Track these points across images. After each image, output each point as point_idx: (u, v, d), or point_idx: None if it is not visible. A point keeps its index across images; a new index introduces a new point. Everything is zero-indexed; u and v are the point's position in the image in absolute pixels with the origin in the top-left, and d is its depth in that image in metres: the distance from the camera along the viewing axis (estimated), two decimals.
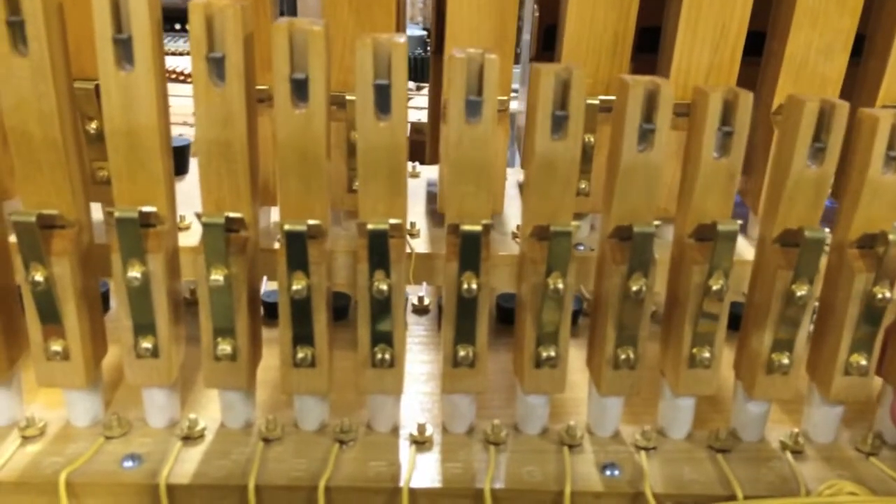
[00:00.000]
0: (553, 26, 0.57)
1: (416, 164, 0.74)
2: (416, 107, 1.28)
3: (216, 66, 0.39)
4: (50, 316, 0.42)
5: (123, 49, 0.39)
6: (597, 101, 0.53)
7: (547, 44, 0.62)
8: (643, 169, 0.41)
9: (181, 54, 1.74)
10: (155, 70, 0.39)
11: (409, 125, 1.02)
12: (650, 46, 0.57)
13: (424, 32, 1.77)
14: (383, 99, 0.39)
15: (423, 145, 0.84)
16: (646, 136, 0.41)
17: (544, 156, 0.41)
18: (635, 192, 0.42)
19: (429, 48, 0.75)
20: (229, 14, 0.38)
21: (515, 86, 0.82)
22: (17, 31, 0.38)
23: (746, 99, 0.41)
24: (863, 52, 0.56)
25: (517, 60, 0.70)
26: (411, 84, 1.42)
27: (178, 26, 1.90)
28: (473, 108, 0.40)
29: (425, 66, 0.78)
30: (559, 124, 0.41)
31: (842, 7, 0.50)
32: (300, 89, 0.39)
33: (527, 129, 0.43)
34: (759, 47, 0.56)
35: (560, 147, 0.41)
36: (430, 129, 0.82)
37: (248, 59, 0.40)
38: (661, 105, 0.40)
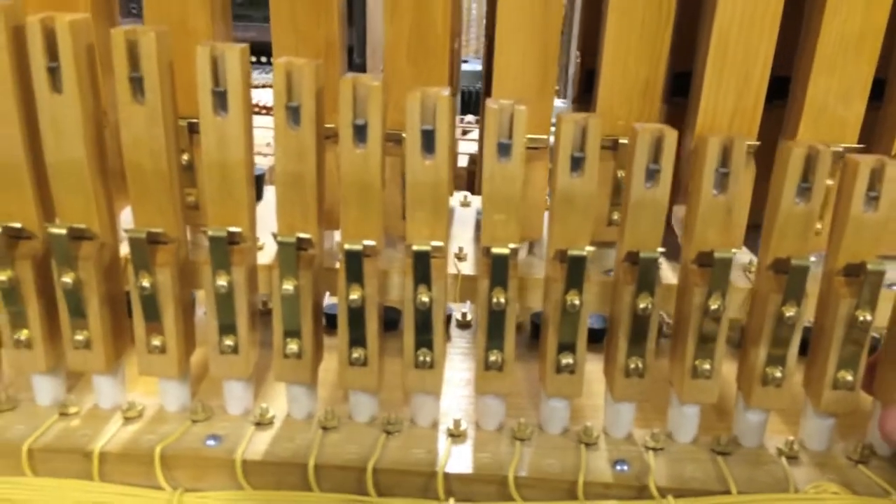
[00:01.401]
0: (593, 71, 0.61)
1: (468, 193, 0.80)
2: (473, 139, 1.29)
3: (293, 114, 0.47)
4: (152, 316, 0.51)
5: (220, 99, 0.47)
6: (627, 142, 0.59)
7: (587, 86, 0.68)
8: (651, 203, 0.48)
9: (253, 87, 1.81)
10: (244, 115, 0.48)
11: (465, 157, 1.08)
12: (684, 91, 0.62)
13: None
14: (429, 142, 0.47)
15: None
16: (653, 175, 0.47)
17: (564, 191, 0.48)
18: (643, 223, 0.48)
19: None
20: (306, 71, 0.46)
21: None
22: (137, 84, 0.46)
23: (741, 143, 0.47)
24: (883, 96, 0.60)
25: (563, 95, 0.73)
26: (470, 117, 1.48)
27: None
28: (504, 150, 0.47)
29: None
30: (578, 164, 0.48)
31: (858, 56, 0.54)
32: (360, 133, 0.47)
33: (552, 167, 0.50)
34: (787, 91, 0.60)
35: (578, 183, 0.48)
36: (480, 161, 0.89)
37: (320, 106, 0.48)
38: (665, 149, 0.47)
